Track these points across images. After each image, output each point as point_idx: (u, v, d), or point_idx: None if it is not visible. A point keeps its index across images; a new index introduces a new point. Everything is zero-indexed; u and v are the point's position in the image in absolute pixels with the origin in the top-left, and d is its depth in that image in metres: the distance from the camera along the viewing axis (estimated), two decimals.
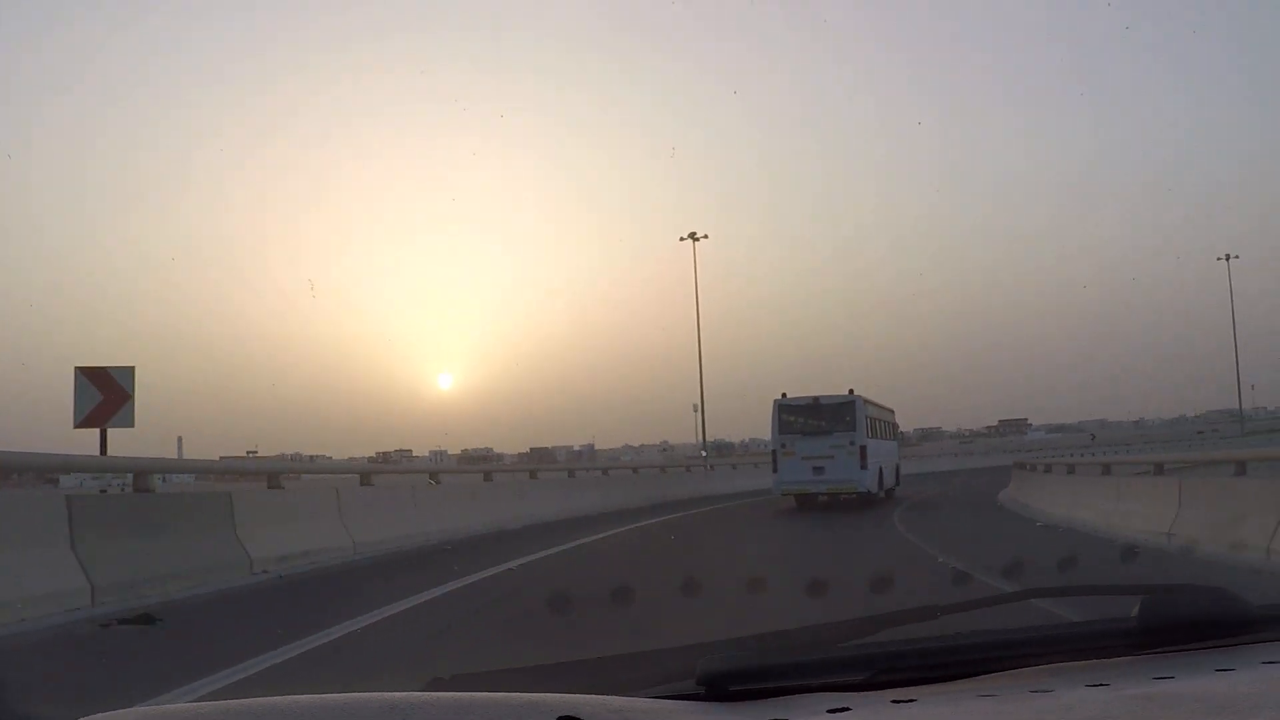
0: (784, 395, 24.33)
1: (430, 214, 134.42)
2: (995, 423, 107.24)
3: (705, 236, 50.92)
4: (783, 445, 23.72)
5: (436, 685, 1.37)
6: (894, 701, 1.25)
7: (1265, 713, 1.15)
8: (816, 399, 24.08)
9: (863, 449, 23.03)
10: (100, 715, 1.14)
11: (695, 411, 49.26)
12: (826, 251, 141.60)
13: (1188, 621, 1.47)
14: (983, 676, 1.36)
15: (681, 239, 50.75)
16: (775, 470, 23.94)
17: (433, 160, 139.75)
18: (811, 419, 23.92)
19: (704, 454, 45.09)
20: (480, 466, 34.04)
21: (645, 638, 1.70)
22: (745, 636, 1.52)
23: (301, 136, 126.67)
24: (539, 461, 52.48)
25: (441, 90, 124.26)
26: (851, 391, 24.01)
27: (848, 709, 1.21)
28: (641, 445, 79.79)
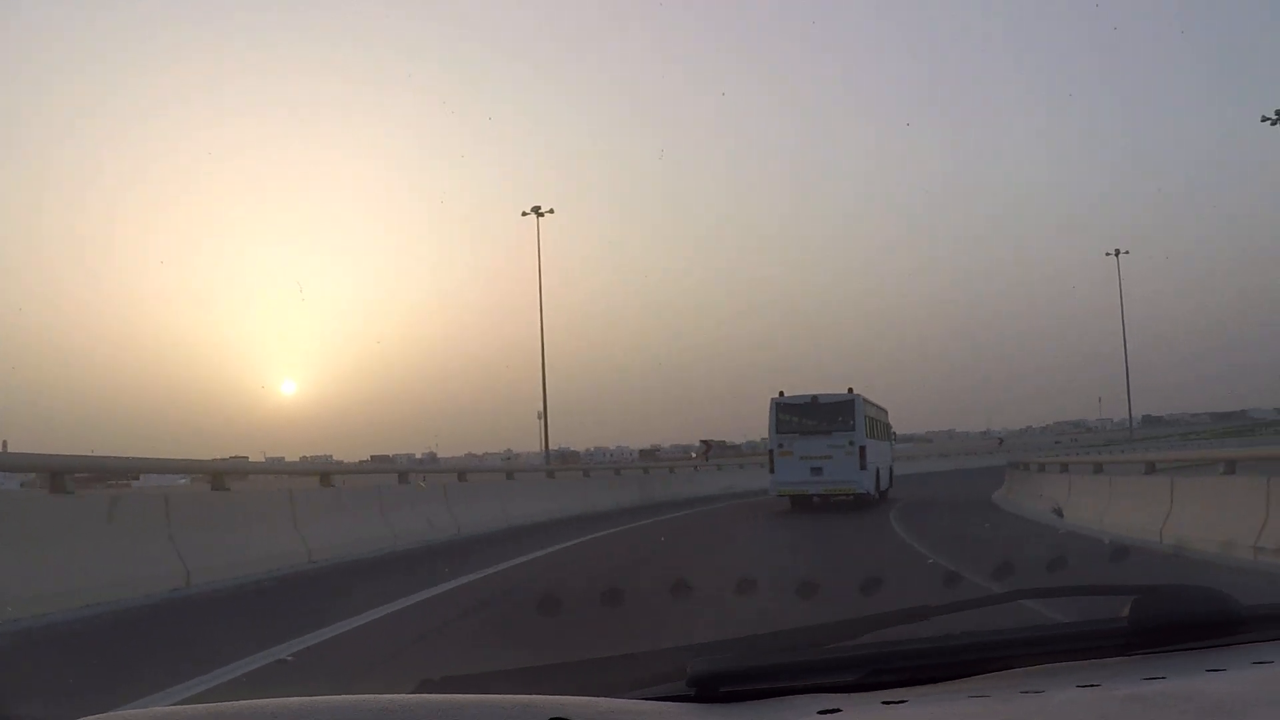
0: (781, 394, 23.79)
1: (275, 218, 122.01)
2: None
3: (551, 211, 46.62)
4: (780, 445, 23.19)
5: (427, 687, 1.37)
6: (885, 703, 1.25)
7: (1256, 712, 1.15)
8: (815, 398, 23.57)
9: (862, 449, 22.63)
10: (100, 715, 1.14)
11: (539, 419, 47.28)
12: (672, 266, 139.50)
13: (1178, 622, 1.47)
14: (974, 677, 1.36)
15: (524, 214, 46.21)
16: (772, 471, 23.38)
17: (278, 165, 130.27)
18: (810, 418, 23.40)
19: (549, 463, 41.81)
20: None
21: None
22: (735, 638, 1.52)
23: (109, 135, 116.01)
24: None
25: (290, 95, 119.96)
26: (851, 390, 23.52)
27: (838, 710, 1.21)
28: (485, 453, 77.64)
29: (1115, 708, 1.19)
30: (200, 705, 1.19)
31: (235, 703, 1.19)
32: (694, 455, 57.01)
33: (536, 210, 46.09)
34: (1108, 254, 64.29)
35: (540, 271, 45.23)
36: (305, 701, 1.18)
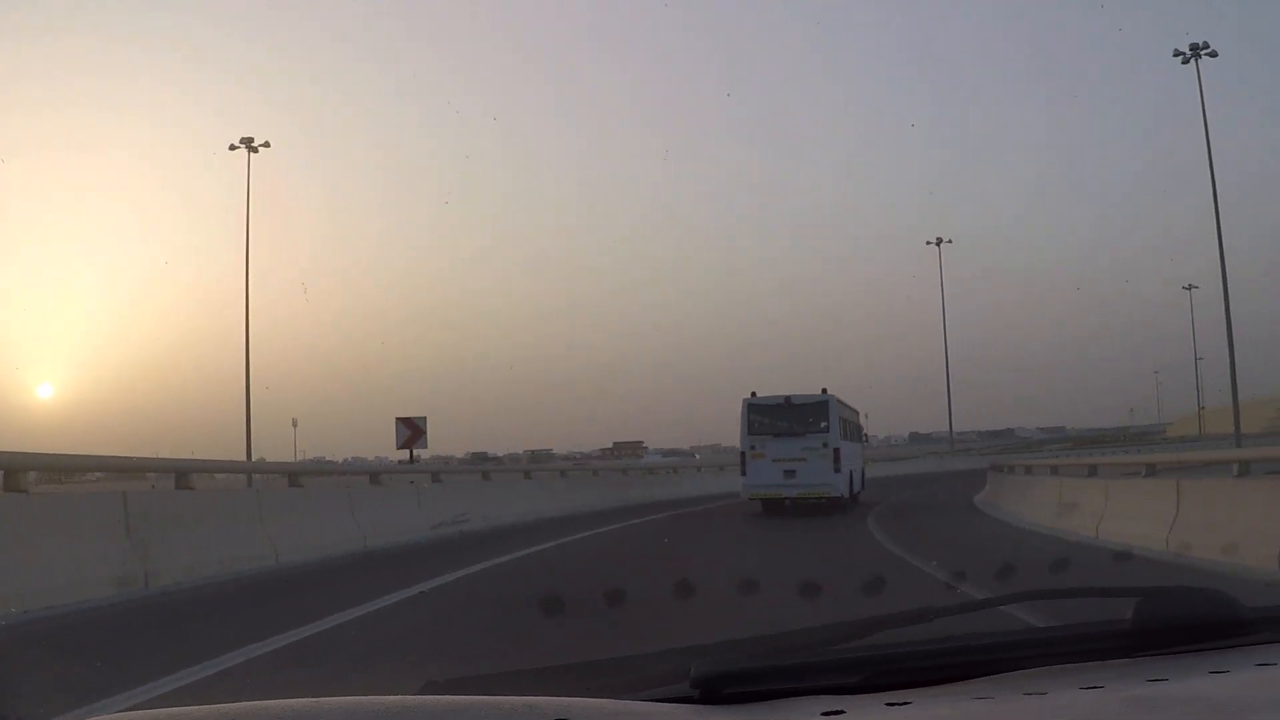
0: (753, 394, 23.12)
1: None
2: (609, 444, 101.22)
3: (266, 144, 40.02)
4: (751, 446, 22.53)
5: (431, 688, 1.38)
6: (888, 704, 1.25)
7: (1259, 715, 1.15)
8: (788, 398, 22.94)
9: (836, 451, 22.08)
10: (106, 716, 1.14)
11: (294, 426, 44.71)
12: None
13: (1182, 624, 1.47)
14: (977, 679, 1.36)
15: (233, 147, 39.52)
16: (744, 473, 22.74)
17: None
18: (782, 419, 22.78)
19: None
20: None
21: None
22: (739, 639, 1.52)
23: None
24: None
25: None
26: (825, 391, 22.98)
27: (842, 712, 1.21)
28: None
29: (1118, 710, 1.19)
30: (206, 706, 1.20)
31: (241, 704, 1.19)
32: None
33: (248, 143, 39.31)
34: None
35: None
36: (310, 702, 1.18)
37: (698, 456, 68.43)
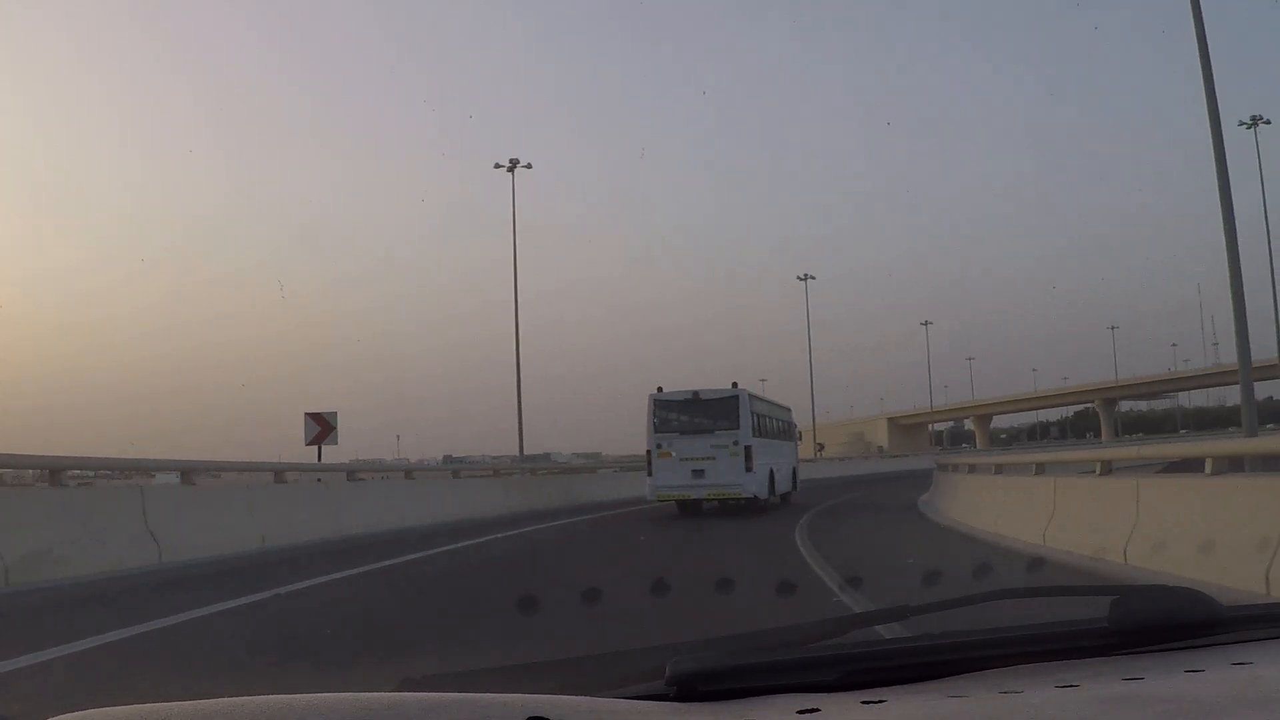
0: (659, 389, 21.74)
1: None
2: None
3: None
4: (658, 445, 21.24)
5: (408, 685, 1.37)
6: (864, 702, 1.25)
7: (1235, 713, 1.15)
8: (696, 393, 21.70)
9: (748, 449, 20.76)
10: (81, 713, 1.13)
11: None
12: None
13: (1158, 623, 1.48)
14: (953, 677, 1.37)
15: None
16: (650, 473, 21.39)
17: None
18: (691, 416, 21.61)
19: None
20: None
21: None
22: (716, 637, 1.52)
23: None
24: None
25: None
26: (735, 384, 21.67)
27: (818, 710, 1.21)
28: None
29: (1094, 708, 1.19)
30: (182, 702, 1.19)
31: (216, 700, 1.18)
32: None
33: None
34: None
35: None
36: (286, 699, 1.18)
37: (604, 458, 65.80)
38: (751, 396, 22.04)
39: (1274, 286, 44.75)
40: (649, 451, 21.57)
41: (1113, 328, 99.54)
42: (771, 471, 22.48)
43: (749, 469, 20.78)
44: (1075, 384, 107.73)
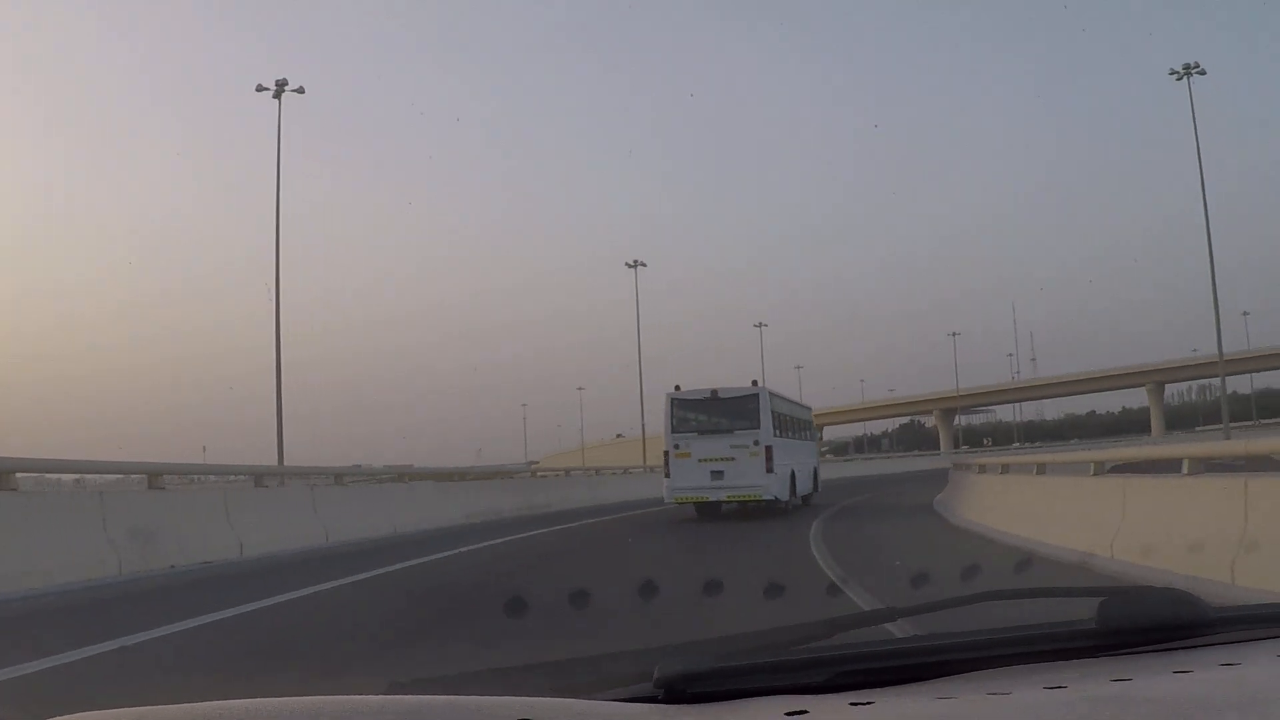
0: (677, 388, 21.14)
1: None
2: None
3: None
4: (676, 445, 20.58)
5: (396, 688, 1.37)
6: (852, 704, 1.25)
7: (1222, 714, 1.15)
8: (715, 392, 20.97)
9: (768, 449, 20.06)
10: (94, 713, 1.13)
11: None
12: None
13: (1146, 624, 1.48)
14: (941, 678, 1.37)
15: None
16: (668, 475, 20.70)
17: None
18: (709, 415, 20.95)
19: None
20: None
21: None
22: (704, 639, 1.52)
23: None
24: None
25: None
26: (756, 383, 21.21)
27: (806, 711, 1.20)
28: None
29: (1082, 709, 1.19)
30: (174, 706, 1.19)
31: (207, 703, 1.18)
32: None
33: None
34: None
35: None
36: (276, 702, 1.18)
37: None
38: (772, 395, 21.49)
39: (1213, 283, 41.57)
40: (666, 452, 20.96)
41: (954, 334, 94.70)
42: (793, 472, 21.86)
43: (770, 470, 20.13)
44: (906, 394, 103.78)
